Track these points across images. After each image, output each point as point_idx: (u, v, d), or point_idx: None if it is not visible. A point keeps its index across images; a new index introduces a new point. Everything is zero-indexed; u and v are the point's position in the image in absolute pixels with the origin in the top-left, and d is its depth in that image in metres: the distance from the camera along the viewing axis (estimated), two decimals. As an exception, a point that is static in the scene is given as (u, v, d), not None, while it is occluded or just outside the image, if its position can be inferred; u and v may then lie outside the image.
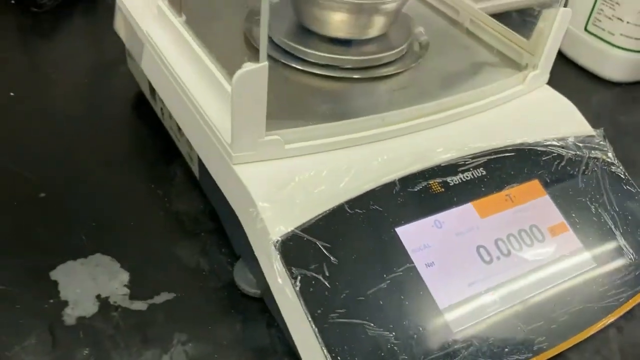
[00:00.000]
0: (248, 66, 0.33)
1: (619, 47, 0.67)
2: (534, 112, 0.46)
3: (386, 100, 0.43)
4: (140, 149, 0.52)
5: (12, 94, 0.56)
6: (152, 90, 0.51)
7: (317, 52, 0.44)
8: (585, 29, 0.69)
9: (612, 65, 0.69)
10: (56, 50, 0.64)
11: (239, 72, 0.33)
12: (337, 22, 0.44)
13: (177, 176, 0.50)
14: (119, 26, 0.54)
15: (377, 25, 0.45)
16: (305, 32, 0.46)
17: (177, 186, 0.49)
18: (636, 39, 0.66)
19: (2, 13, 0.68)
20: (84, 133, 0.53)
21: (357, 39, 0.45)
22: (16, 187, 0.47)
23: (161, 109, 0.51)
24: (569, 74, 0.71)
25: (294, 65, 0.44)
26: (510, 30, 0.49)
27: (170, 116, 0.48)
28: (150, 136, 0.53)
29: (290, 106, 0.41)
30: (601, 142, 0.46)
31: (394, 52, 0.46)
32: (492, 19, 0.51)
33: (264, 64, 0.33)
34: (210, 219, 0.46)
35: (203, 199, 0.47)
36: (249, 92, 0.34)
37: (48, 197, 0.46)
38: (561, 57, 0.73)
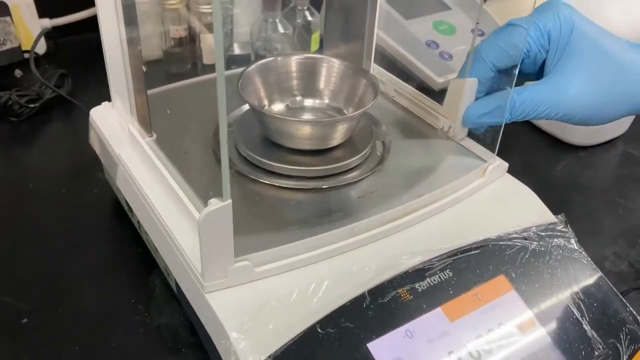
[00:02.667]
0: (213, 205, 0.35)
1: (579, 115, 0.70)
2: (496, 204, 0.48)
3: (353, 209, 0.44)
4: (120, 260, 0.53)
5: (-8, 211, 0.58)
6: (127, 202, 0.52)
7: (282, 165, 0.46)
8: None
9: (573, 131, 0.71)
10: (36, 158, 0.66)
11: (204, 212, 0.35)
12: (301, 137, 0.46)
13: (157, 287, 0.51)
14: (94, 141, 0.56)
15: (339, 136, 0.47)
16: (271, 144, 0.48)
17: (157, 298, 0.50)
18: (594, 106, 0.68)
19: (-20, 125, 0.70)
20: (63, 247, 0.54)
21: (321, 149, 0.48)
22: (-2, 314, 0.48)
23: (138, 221, 0.52)
24: (535, 140, 0.74)
25: (260, 180, 0.46)
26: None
27: (145, 229, 0.49)
28: (129, 245, 0.54)
29: (258, 223, 0.43)
30: (563, 229, 0.47)
31: (357, 157, 0.48)
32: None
33: (228, 202, 0.35)
34: (190, 332, 0.47)
35: (182, 311, 0.48)
36: (215, 229, 0.36)
37: (30, 322, 0.47)
38: (527, 123, 0.76)
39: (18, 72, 0.77)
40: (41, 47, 0.81)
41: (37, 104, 0.70)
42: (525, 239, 0.46)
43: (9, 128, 0.70)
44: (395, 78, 0.58)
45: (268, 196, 0.45)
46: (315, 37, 0.82)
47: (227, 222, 0.36)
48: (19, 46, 0.76)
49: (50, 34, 0.82)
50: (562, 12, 0.47)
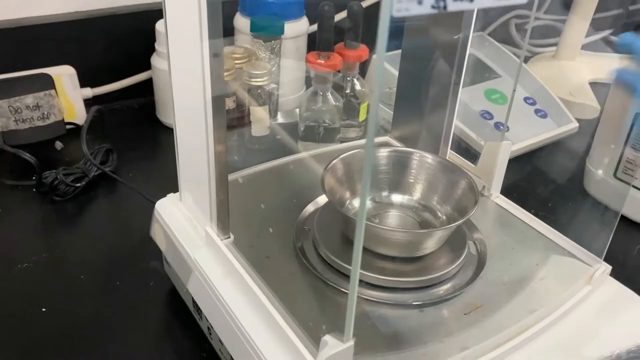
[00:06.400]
0: (332, 347, 0.31)
1: (651, 194, 0.67)
2: (605, 315, 0.44)
3: (462, 328, 0.40)
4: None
5: (44, 309, 0.53)
6: (197, 306, 0.48)
7: (371, 274, 0.42)
8: (615, 176, 0.69)
9: (643, 210, 0.68)
10: (84, 244, 0.62)
11: (323, 356, 0.31)
12: (392, 245, 0.43)
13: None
14: (158, 236, 0.52)
15: (436, 244, 0.44)
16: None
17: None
18: (669, 187, 0.65)
19: (25, 204, 0.66)
20: (123, 356, 0.50)
21: (413, 256, 0.44)
22: None
23: (208, 327, 0.48)
24: (604, 219, 0.70)
25: (360, 295, 0.42)
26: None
27: (222, 341, 0.45)
28: (193, 351, 0.50)
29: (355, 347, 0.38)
30: (681, 344, 0.43)
31: (456, 264, 0.44)
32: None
33: (350, 344, 0.31)
34: None
35: None
36: (333, 372, 0.31)
37: None
38: (590, 199, 0.72)
39: (59, 145, 0.74)
40: (81, 117, 0.78)
41: (83, 183, 0.67)
42: (644, 357, 0.42)
43: (54, 209, 0.66)
44: (472, 165, 0.55)
45: (363, 312, 0.41)
46: (364, 107, 0.79)
47: (346, 366, 0.32)
48: (62, 119, 0.73)
49: (90, 104, 0.79)
50: None
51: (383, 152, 0.49)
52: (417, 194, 0.49)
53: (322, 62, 0.72)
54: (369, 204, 0.48)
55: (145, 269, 0.58)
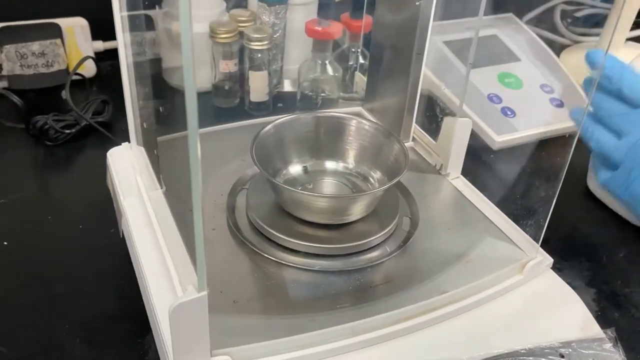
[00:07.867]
0: (188, 295, 0.31)
1: (651, 196, 0.61)
2: (531, 309, 0.41)
3: (361, 300, 0.39)
4: (119, 313, 0.50)
5: (5, 243, 0.56)
6: (133, 255, 0.49)
7: (289, 238, 0.41)
8: (615, 173, 0.64)
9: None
10: (62, 187, 0.64)
11: (175, 303, 0.31)
12: (313, 211, 0.42)
13: (150, 350, 0.47)
14: (109, 183, 0.53)
15: (359, 211, 0.42)
16: (284, 212, 0.43)
17: (148, 363, 0.46)
18: (670, 189, 0.60)
19: (18, 146, 0.69)
20: (67, 292, 0.51)
21: (339, 223, 0.43)
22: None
23: (141, 275, 0.49)
24: (598, 215, 0.66)
25: (262, 252, 0.41)
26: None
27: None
28: (132, 296, 0.51)
29: (248, 307, 0.38)
30: (611, 348, 0.40)
31: (377, 236, 0.42)
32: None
33: (203, 294, 0.31)
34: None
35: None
36: (188, 320, 0.31)
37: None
38: (592, 199, 0.68)
39: (65, 93, 0.77)
40: (90, 70, 0.80)
41: (72, 130, 0.69)
42: (562, 357, 0.39)
43: (44, 152, 0.69)
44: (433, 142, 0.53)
45: (267, 274, 0.40)
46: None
47: (201, 315, 0.31)
48: (67, 68, 0.76)
49: (101, 57, 0.82)
50: None
51: (316, 119, 0.47)
52: (352, 161, 0.47)
53: (320, 29, 0.71)
54: (300, 171, 0.47)
55: (110, 216, 0.59)
